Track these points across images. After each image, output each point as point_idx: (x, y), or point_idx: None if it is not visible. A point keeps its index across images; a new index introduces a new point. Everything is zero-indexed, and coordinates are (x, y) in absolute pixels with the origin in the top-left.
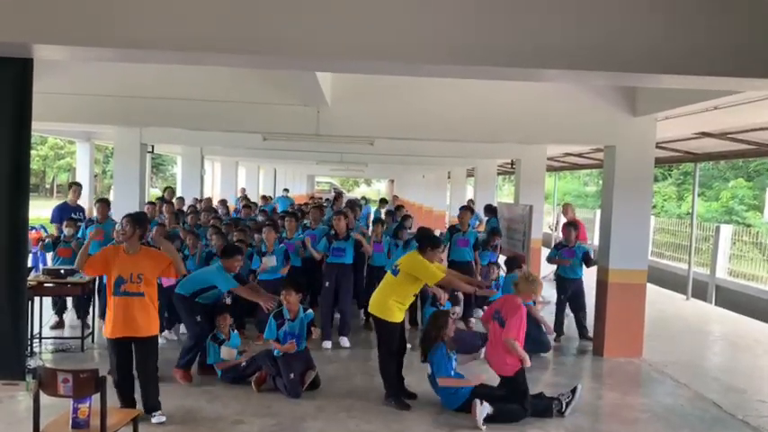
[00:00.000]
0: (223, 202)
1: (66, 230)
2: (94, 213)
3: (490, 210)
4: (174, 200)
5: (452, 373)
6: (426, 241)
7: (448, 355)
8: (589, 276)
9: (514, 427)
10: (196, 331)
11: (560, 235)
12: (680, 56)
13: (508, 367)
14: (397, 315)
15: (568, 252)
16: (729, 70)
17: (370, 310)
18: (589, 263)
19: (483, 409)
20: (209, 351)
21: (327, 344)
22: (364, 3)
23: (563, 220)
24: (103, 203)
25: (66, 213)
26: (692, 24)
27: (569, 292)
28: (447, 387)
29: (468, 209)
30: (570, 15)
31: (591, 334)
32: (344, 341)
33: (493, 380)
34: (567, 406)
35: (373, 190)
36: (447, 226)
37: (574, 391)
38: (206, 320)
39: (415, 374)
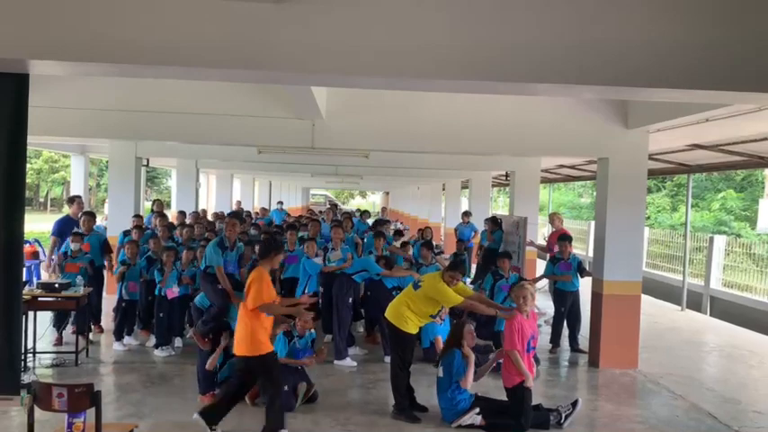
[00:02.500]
0: (220, 216)
1: (72, 246)
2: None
3: (495, 222)
4: (168, 212)
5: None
6: (453, 268)
7: (463, 361)
8: (582, 288)
9: None
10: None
11: (545, 245)
12: (672, 70)
13: (508, 378)
14: (411, 327)
15: (565, 265)
16: (721, 84)
17: (386, 315)
18: (583, 273)
19: (472, 417)
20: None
21: (350, 361)
22: (359, 20)
23: (551, 230)
24: (89, 216)
25: (68, 227)
26: (684, 39)
27: (569, 303)
28: (448, 398)
29: (507, 255)
30: (563, 30)
31: (582, 346)
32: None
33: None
34: (566, 418)
35: (368, 202)
36: (442, 237)
37: (575, 404)
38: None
39: (423, 388)
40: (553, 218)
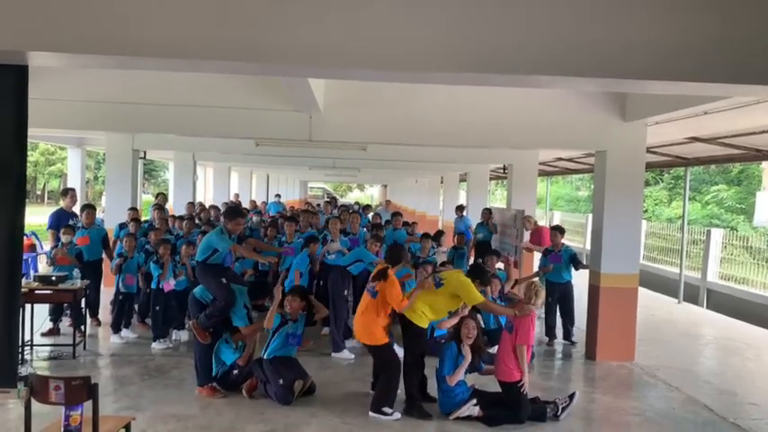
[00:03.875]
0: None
1: (63, 238)
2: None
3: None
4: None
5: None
6: (476, 275)
7: (458, 355)
8: (580, 281)
9: (508, 429)
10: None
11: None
12: (671, 63)
13: (505, 372)
14: (423, 321)
15: (555, 257)
16: (720, 76)
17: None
18: (578, 266)
19: (470, 408)
20: (220, 351)
21: (347, 353)
22: (359, 13)
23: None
24: (90, 210)
25: (63, 220)
26: (684, 32)
27: (557, 295)
28: (447, 389)
29: (495, 253)
30: (561, 22)
31: (575, 338)
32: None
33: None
34: (563, 410)
35: (366, 195)
36: (440, 228)
37: (572, 396)
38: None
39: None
40: (525, 222)
